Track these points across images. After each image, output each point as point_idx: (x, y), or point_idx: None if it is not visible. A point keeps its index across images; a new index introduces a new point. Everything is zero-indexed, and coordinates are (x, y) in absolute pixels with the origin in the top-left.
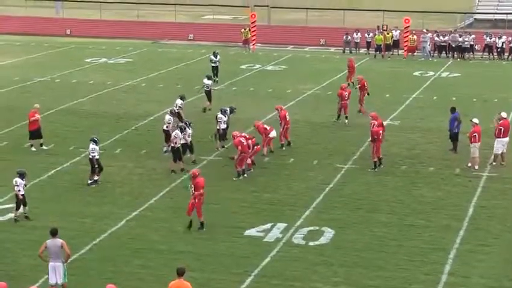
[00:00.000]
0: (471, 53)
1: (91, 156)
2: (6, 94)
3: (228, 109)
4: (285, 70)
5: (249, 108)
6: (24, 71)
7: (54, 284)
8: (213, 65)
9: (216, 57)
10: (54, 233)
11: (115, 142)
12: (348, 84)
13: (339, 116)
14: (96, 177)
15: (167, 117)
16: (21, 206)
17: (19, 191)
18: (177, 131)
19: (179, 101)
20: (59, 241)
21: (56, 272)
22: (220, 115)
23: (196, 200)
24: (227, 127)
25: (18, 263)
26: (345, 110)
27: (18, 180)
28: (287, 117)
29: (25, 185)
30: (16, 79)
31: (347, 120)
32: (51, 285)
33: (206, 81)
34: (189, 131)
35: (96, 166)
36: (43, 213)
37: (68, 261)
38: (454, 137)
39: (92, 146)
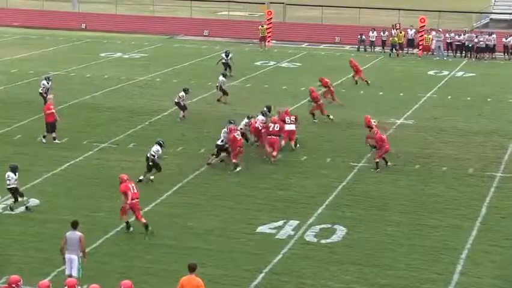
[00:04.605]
0: (486, 52)
1: (149, 155)
2: (20, 87)
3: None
4: (299, 67)
5: (263, 105)
6: (39, 65)
7: (69, 275)
8: (223, 61)
9: (227, 56)
10: (75, 226)
11: (129, 137)
12: (357, 82)
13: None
14: (151, 177)
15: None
16: (18, 198)
17: (9, 185)
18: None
19: (182, 93)
20: (77, 234)
21: (71, 264)
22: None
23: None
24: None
25: (30, 257)
26: (323, 111)
27: (10, 174)
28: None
29: (16, 180)
30: (31, 72)
31: (331, 117)
32: (68, 275)
33: (221, 77)
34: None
35: (151, 164)
36: (55, 206)
37: (86, 258)
38: None
39: (156, 147)
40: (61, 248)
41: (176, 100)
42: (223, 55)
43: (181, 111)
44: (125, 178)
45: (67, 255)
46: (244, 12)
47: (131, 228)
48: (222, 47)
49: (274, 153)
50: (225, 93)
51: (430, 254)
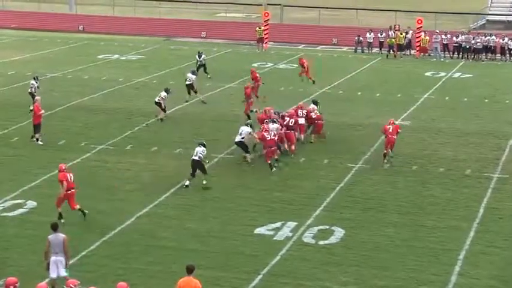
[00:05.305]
0: (484, 53)
1: (197, 158)
2: (17, 89)
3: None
4: (296, 69)
5: (260, 106)
6: (37, 67)
7: (55, 278)
8: (199, 63)
9: (200, 57)
10: (55, 228)
11: (126, 139)
12: (303, 79)
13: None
14: (187, 182)
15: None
16: None
17: None
18: (245, 127)
19: (163, 93)
20: (61, 236)
21: (58, 265)
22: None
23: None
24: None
25: (28, 259)
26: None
27: None
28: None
29: None
30: (28, 74)
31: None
32: (52, 278)
33: (190, 75)
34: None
35: (197, 167)
36: (53, 209)
37: (68, 260)
38: None
39: (202, 148)
40: (45, 252)
41: (157, 100)
42: (196, 56)
43: (162, 112)
44: (63, 168)
45: (53, 258)
46: (241, 14)
47: (63, 221)
48: (219, 48)
49: (293, 147)
50: (193, 89)
51: (428, 255)
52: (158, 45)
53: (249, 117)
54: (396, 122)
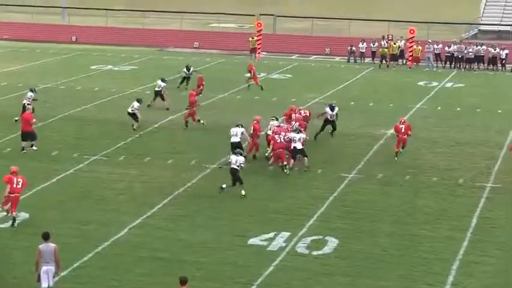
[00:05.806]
0: (475, 63)
1: (235, 167)
2: (10, 100)
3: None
4: (289, 79)
5: (253, 116)
6: (29, 78)
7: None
8: (185, 76)
9: (188, 70)
10: (46, 237)
11: (119, 149)
12: (249, 86)
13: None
14: (223, 186)
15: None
16: None
17: None
18: (236, 128)
19: (136, 104)
20: (52, 245)
21: (49, 275)
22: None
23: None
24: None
25: (20, 270)
26: (194, 116)
27: None
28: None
29: None
30: (20, 85)
31: (202, 121)
32: None
33: (160, 82)
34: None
35: (236, 176)
36: (46, 219)
37: (60, 270)
38: None
39: (241, 158)
40: (36, 262)
41: (130, 110)
42: (185, 69)
43: (135, 122)
44: (14, 170)
45: (44, 268)
46: (234, 24)
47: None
48: (212, 58)
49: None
50: (163, 98)
51: (422, 265)
52: (151, 55)
53: (186, 124)
54: (388, 132)
